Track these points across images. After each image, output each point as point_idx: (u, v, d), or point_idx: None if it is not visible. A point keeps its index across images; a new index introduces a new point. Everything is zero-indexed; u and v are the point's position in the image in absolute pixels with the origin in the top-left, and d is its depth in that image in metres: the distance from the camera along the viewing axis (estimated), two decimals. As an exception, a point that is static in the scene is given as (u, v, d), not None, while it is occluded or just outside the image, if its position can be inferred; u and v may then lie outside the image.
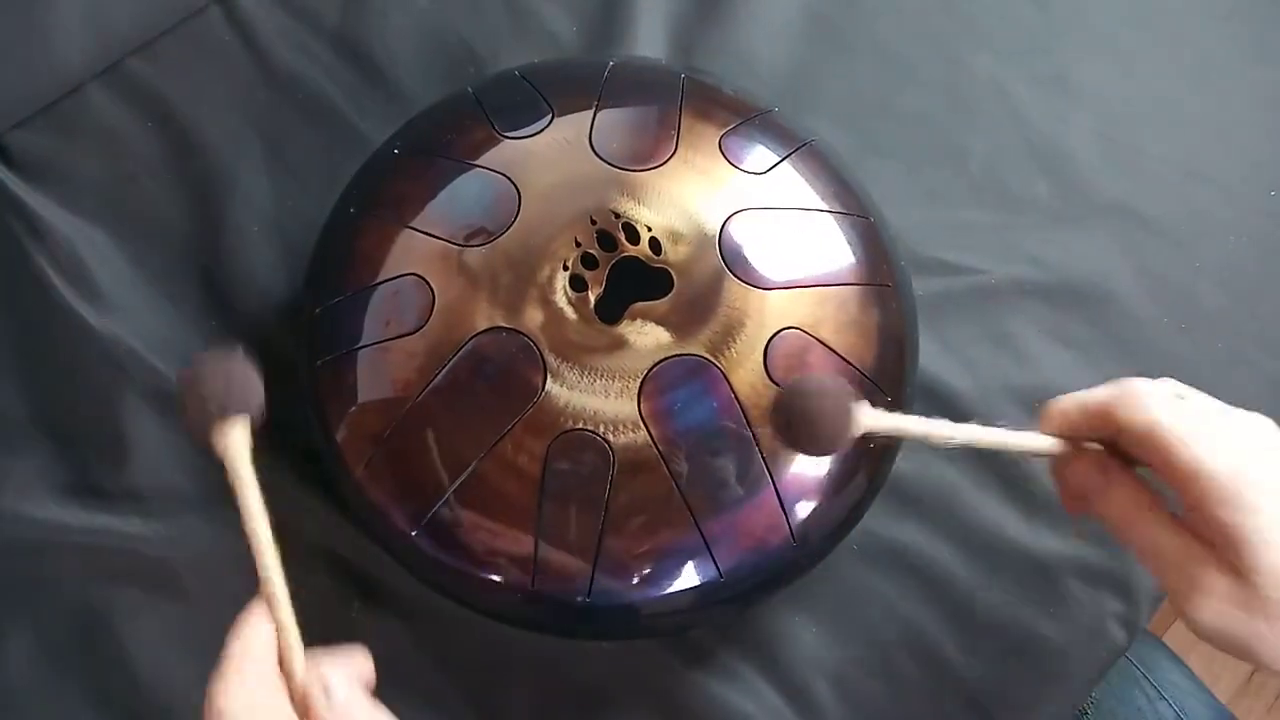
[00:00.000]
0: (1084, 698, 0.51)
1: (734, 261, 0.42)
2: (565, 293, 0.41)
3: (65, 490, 0.51)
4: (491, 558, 0.41)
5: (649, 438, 0.40)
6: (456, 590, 0.44)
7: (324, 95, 0.57)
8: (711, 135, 0.45)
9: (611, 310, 0.41)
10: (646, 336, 0.41)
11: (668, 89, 0.48)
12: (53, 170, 0.55)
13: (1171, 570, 0.34)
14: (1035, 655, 0.49)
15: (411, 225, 0.44)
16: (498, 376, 0.41)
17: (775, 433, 0.34)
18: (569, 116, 0.45)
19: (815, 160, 0.47)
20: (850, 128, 0.58)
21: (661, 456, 0.40)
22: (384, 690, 0.36)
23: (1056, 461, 0.38)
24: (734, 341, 0.41)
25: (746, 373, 0.41)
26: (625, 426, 0.40)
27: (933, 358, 0.53)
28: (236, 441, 0.32)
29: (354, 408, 0.43)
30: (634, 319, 0.41)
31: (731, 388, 0.41)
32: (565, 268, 0.42)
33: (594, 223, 0.42)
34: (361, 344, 0.43)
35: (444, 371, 0.41)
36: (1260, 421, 0.35)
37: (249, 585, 0.33)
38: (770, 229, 0.44)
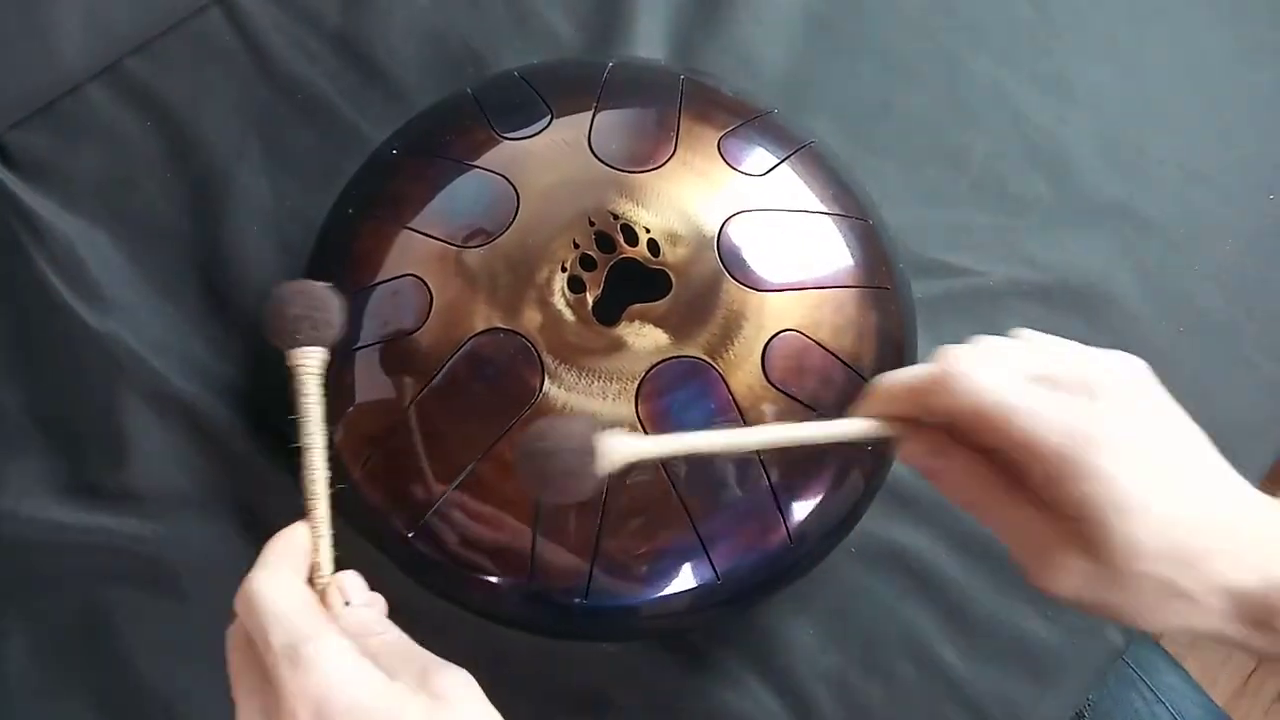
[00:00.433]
0: (1081, 700, 0.51)
1: (732, 263, 0.42)
2: (563, 294, 0.41)
3: (64, 490, 0.51)
4: (489, 559, 0.41)
5: (647, 439, 0.40)
6: (454, 592, 0.44)
7: (323, 95, 0.57)
8: (710, 137, 0.45)
9: (609, 312, 0.41)
10: (644, 338, 0.41)
11: (667, 90, 0.48)
12: (52, 170, 0.55)
13: (1019, 547, 0.32)
14: (1032, 658, 0.49)
15: (410, 226, 0.44)
16: (496, 378, 0.41)
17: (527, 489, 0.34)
18: (568, 117, 0.45)
19: (814, 162, 0.47)
20: (849, 128, 0.58)
21: (659, 458, 0.40)
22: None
23: (895, 445, 0.34)
24: (732, 343, 0.41)
25: (744, 375, 0.41)
26: (623, 428, 0.40)
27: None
28: (312, 362, 0.34)
29: (352, 408, 0.43)
30: (632, 320, 0.41)
31: (729, 389, 0.41)
32: (564, 269, 0.42)
33: (592, 224, 0.42)
34: (360, 345, 0.43)
35: (442, 373, 0.41)
36: (1116, 364, 0.32)
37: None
38: (769, 231, 0.44)
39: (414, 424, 0.41)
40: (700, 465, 0.40)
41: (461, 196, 0.44)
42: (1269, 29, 0.62)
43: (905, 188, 0.57)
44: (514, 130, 0.45)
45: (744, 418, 0.40)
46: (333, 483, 0.34)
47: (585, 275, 0.42)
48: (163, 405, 0.51)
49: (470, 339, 0.41)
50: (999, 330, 0.54)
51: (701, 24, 0.60)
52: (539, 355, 0.40)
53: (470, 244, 0.42)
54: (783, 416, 0.41)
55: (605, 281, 0.42)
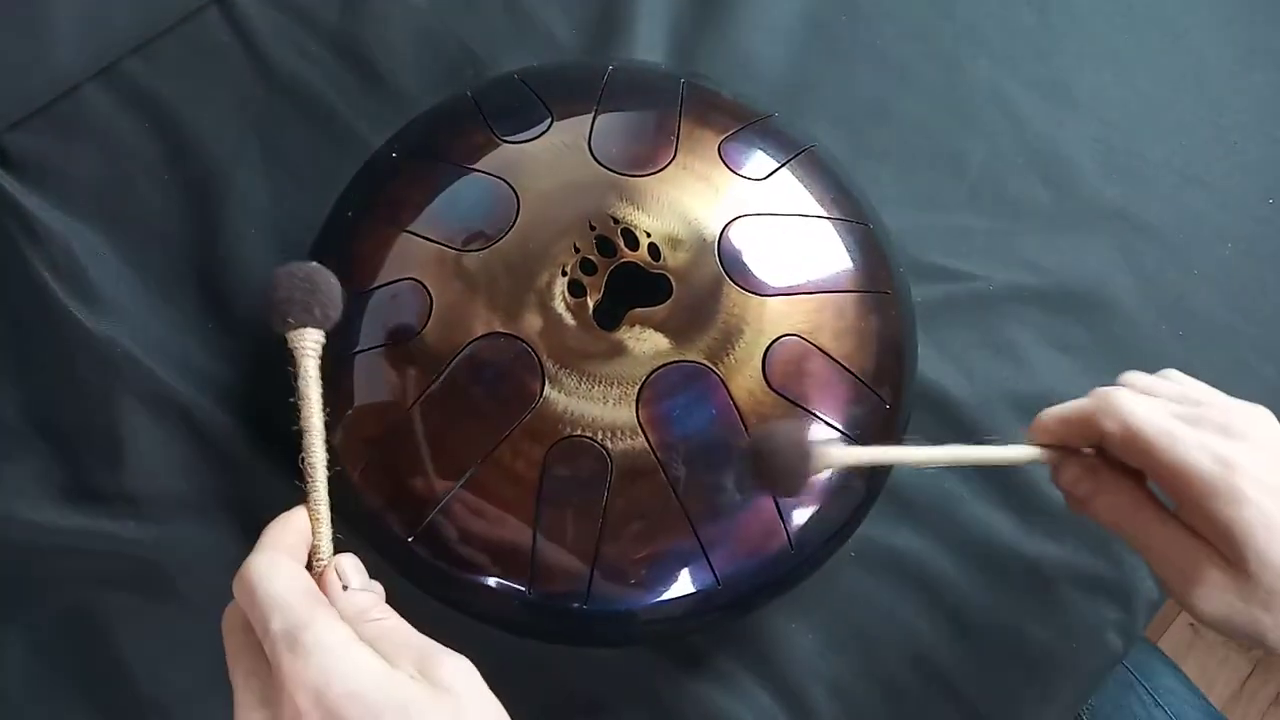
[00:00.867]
0: (1080, 704, 0.51)
1: (733, 268, 0.42)
2: (564, 298, 0.41)
3: (60, 493, 0.51)
4: (489, 564, 0.41)
5: (647, 444, 0.40)
6: (453, 596, 0.44)
7: (322, 97, 0.57)
8: (711, 141, 0.45)
9: (610, 316, 0.41)
10: (645, 343, 0.41)
11: (667, 94, 0.47)
12: (49, 171, 0.55)
13: (1168, 565, 0.35)
14: (1032, 662, 0.49)
15: (409, 229, 0.43)
16: (496, 382, 0.41)
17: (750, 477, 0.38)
18: (568, 120, 0.45)
19: (814, 166, 0.47)
20: (849, 133, 0.58)
21: (659, 463, 0.40)
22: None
23: (1052, 469, 0.40)
24: (733, 348, 0.41)
25: (745, 379, 0.41)
26: (623, 433, 0.40)
27: (931, 364, 0.53)
28: (309, 343, 0.34)
29: (351, 412, 0.43)
30: (632, 325, 0.41)
31: (730, 394, 0.40)
32: (564, 273, 0.41)
33: (593, 228, 0.42)
34: (359, 348, 0.42)
35: (442, 377, 0.41)
36: (1254, 411, 0.36)
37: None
38: (769, 235, 0.44)
39: (414, 428, 0.41)
40: (701, 471, 0.40)
41: (461, 200, 0.44)
42: (1267, 34, 0.62)
43: (905, 192, 0.57)
44: (514, 133, 0.45)
45: (745, 423, 0.40)
46: (330, 466, 0.34)
47: (586, 279, 0.42)
48: (160, 408, 0.51)
49: (470, 343, 0.41)
50: (999, 335, 0.55)
51: (700, 27, 0.60)
52: (539, 360, 0.40)
53: (470, 247, 0.42)
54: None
55: (605, 286, 0.42)
